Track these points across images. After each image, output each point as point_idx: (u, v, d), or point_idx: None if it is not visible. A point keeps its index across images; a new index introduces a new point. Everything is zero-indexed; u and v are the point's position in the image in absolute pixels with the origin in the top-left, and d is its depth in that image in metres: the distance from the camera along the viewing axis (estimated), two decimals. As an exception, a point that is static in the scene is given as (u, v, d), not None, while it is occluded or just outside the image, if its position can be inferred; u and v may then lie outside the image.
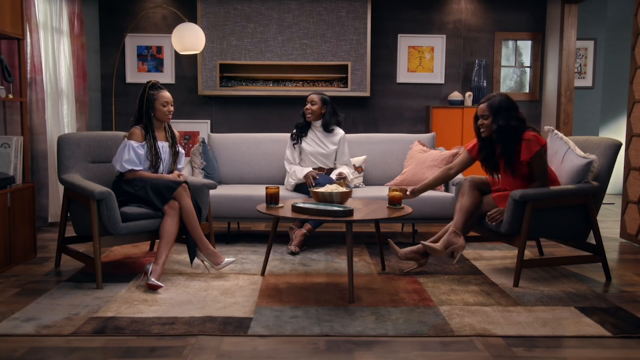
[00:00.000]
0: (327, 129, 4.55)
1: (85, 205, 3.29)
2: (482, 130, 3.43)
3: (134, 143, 3.53)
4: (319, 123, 4.55)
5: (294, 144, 4.56)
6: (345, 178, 4.28)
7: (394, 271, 3.61)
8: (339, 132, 4.59)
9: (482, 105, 3.41)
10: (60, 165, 3.62)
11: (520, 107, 3.47)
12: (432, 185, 3.63)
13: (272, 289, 3.22)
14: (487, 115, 3.38)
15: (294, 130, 4.60)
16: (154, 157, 3.57)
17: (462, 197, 3.53)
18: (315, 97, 4.52)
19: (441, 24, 6.29)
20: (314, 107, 4.50)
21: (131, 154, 3.51)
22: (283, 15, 6.01)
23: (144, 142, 3.57)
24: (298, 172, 4.39)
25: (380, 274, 3.55)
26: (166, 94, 3.61)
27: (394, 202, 3.39)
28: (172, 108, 3.62)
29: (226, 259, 3.45)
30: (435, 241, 3.54)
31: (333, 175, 4.36)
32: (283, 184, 4.70)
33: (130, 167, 3.52)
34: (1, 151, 3.72)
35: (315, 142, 4.55)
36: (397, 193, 3.38)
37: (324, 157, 4.53)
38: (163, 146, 3.65)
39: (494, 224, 3.41)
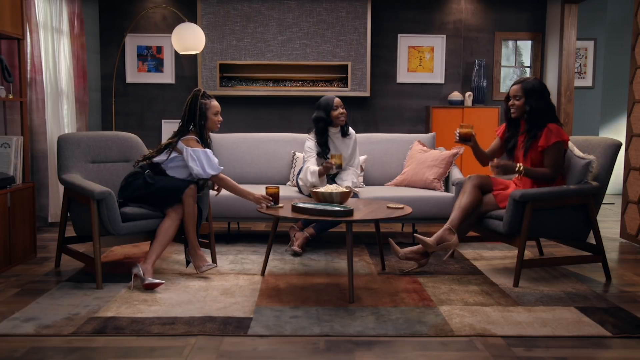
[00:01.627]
0: (346, 133, 4.33)
1: (85, 205, 3.29)
2: (512, 110, 3.51)
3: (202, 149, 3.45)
4: (337, 129, 4.30)
5: (322, 160, 4.21)
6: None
7: (394, 271, 3.61)
8: (352, 133, 4.38)
9: (515, 86, 3.49)
10: (60, 165, 3.62)
11: None
12: (479, 148, 3.60)
13: (272, 289, 3.22)
14: (519, 96, 3.46)
15: (316, 145, 4.26)
16: None
17: (462, 195, 3.53)
18: (340, 101, 4.24)
19: (441, 24, 6.29)
20: (345, 111, 4.26)
21: (215, 157, 3.45)
22: (283, 15, 6.01)
23: None
24: (311, 169, 4.09)
25: (380, 274, 3.55)
26: (217, 104, 3.53)
27: (464, 138, 3.47)
28: (221, 118, 3.56)
29: (207, 264, 3.42)
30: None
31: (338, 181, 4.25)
32: (283, 183, 4.69)
33: (222, 167, 3.47)
34: (1, 151, 3.72)
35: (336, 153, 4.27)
36: (468, 130, 3.47)
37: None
38: None
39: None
